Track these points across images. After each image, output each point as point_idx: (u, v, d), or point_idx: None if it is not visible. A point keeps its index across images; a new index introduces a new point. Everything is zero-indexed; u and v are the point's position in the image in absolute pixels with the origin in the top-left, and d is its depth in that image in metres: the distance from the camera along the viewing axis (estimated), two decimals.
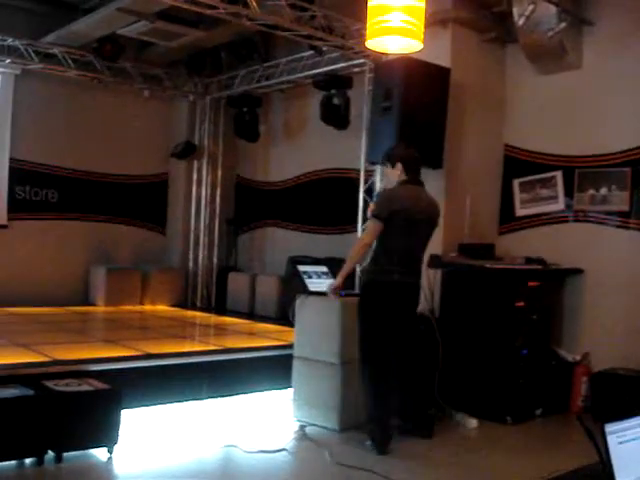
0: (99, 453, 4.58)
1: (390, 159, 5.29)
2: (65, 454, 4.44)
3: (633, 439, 2.37)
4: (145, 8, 7.78)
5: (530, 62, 7.00)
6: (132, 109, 10.37)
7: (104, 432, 4.57)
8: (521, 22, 6.37)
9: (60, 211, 9.94)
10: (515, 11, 6.46)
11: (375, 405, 5.10)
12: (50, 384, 4.63)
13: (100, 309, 9.65)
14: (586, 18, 6.68)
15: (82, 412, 4.51)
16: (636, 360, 5.87)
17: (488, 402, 5.99)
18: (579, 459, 2.69)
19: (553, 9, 6.34)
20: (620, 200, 6.51)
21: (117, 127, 10.26)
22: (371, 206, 5.30)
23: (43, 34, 8.80)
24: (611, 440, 2.29)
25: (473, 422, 5.83)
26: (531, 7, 6.22)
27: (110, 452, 4.58)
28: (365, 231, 5.33)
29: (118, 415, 4.64)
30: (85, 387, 4.67)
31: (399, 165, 5.22)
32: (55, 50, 8.90)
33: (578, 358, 6.49)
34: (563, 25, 6.37)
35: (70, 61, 9.09)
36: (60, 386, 4.61)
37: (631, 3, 6.45)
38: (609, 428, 2.29)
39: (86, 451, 4.56)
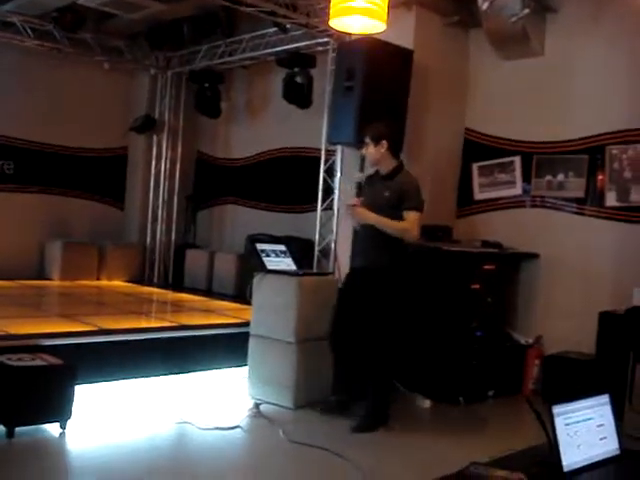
0: (52, 428, 4.54)
1: (373, 136, 5.07)
2: (17, 429, 4.41)
3: (579, 421, 2.42)
4: None
5: (493, 47, 7.03)
6: (91, 81, 10.18)
7: (57, 407, 4.54)
8: (485, 7, 6.40)
9: (16, 183, 9.77)
10: None
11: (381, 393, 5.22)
12: (3, 358, 4.57)
13: (55, 283, 9.52)
14: (549, 5, 6.73)
15: (35, 387, 4.47)
16: (587, 344, 5.97)
17: (442, 383, 6.06)
18: (528, 440, 2.74)
19: None
20: (577, 187, 6.60)
21: (76, 99, 10.07)
22: (410, 199, 4.99)
23: (2, 2, 8.58)
24: (558, 421, 2.34)
25: (426, 402, 5.90)
26: None
27: (63, 427, 4.55)
28: (414, 224, 4.98)
29: (72, 390, 4.60)
30: (38, 362, 4.62)
31: (384, 142, 5.03)
32: (14, 19, 8.68)
33: (531, 341, 6.61)
34: (527, 11, 6.41)
35: (29, 30, 8.89)
36: (13, 361, 4.55)
37: None
38: (557, 410, 2.35)
39: (39, 426, 4.53)
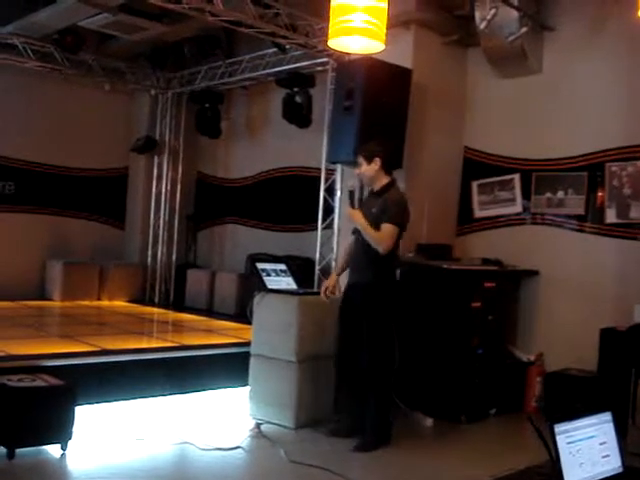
0: (53, 449, 4.53)
1: (366, 154, 5.17)
2: (18, 450, 4.39)
3: (582, 439, 2.41)
4: (108, 0, 7.69)
5: (491, 66, 7.07)
6: (92, 102, 10.24)
7: (58, 428, 4.52)
8: (483, 26, 6.43)
9: (17, 203, 9.79)
10: (477, 15, 6.52)
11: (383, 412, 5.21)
12: (3, 379, 4.55)
13: (56, 304, 9.52)
14: (547, 24, 6.78)
15: (35, 408, 4.46)
16: (589, 361, 5.96)
17: (443, 401, 6.04)
18: (530, 458, 2.73)
19: (515, 14, 6.41)
20: (576, 204, 6.61)
21: (77, 120, 10.12)
22: (389, 212, 5.05)
23: (3, 24, 8.65)
24: (560, 440, 2.33)
25: (428, 421, 5.88)
26: (493, 11, 6.27)
27: (64, 449, 4.53)
28: (387, 236, 5.03)
29: (72, 411, 4.59)
30: (39, 383, 4.61)
31: (377, 160, 5.12)
32: (15, 40, 8.75)
33: (532, 358, 6.59)
34: (524, 30, 6.45)
35: (30, 52, 8.95)
36: (13, 382, 4.55)
37: (590, 10, 6.56)
38: (558, 428, 2.33)
39: (39, 447, 4.52)
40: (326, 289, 5.44)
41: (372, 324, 5.11)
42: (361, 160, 5.19)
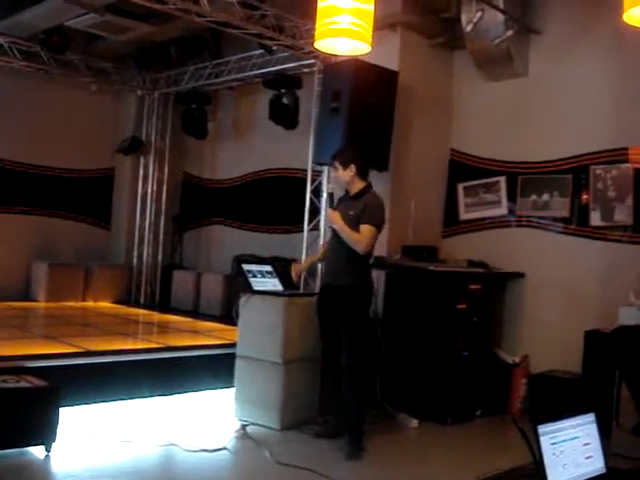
0: (37, 451, 4.51)
1: (342, 160, 5.22)
2: (1, 452, 4.37)
3: (565, 440, 2.42)
4: (94, 0, 7.67)
5: (477, 68, 7.11)
6: (78, 102, 10.20)
7: (42, 430, 4.50)
8: (469, 29, 6.46)
9: (2, 204, 9.73)
10: (463, 18, 6.56)
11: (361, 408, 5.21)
12: None
13: (41, 305, 9.48)
14: (533, 27, 6.81)
15: (19, 409, 4.44)
16: (574, 363, 5.99)
17: (429, 402, 6.06)
18: (515, 459, 2.74)
19: (500, 17, 6.44)
20: (561, 206, 6.65)
21: (63, 120, 10.08)
22: (368, 214, 5.10)
23: None
24: (544, 441, 2.34)
25: (414, 422, 5.89)
26: (479, 14, 6.31)
27: (48, 450, 4.51)
28: (366, 236, 5.05)
29: (56, 413, 4.57)
30: (23, 384, 4.59)
31: (352, 167, 5.17)
32: (1, 40, 8.72)
33: (517, 360, 6.62)
34: (510, 33, 6.49)
35: (16, 52, 8.92)
36: None
37: (576, 13, 6.61)
38: (542, 429, 2.35)
39: (23, 449, 4.49)
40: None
41: (351, 325, 5.11)
42: (337, 165, 5.25)
